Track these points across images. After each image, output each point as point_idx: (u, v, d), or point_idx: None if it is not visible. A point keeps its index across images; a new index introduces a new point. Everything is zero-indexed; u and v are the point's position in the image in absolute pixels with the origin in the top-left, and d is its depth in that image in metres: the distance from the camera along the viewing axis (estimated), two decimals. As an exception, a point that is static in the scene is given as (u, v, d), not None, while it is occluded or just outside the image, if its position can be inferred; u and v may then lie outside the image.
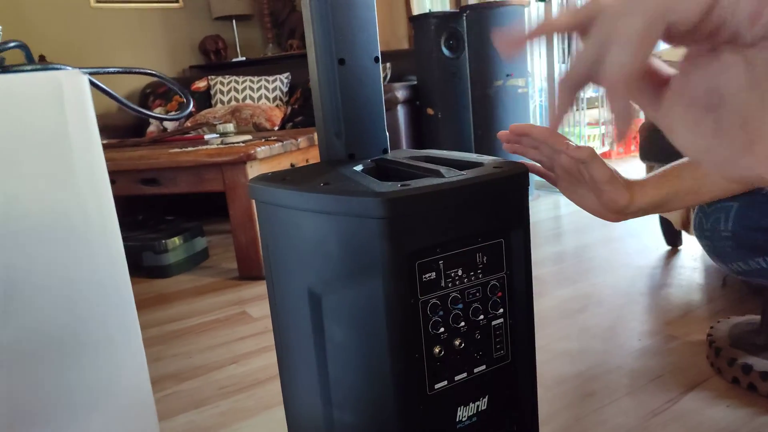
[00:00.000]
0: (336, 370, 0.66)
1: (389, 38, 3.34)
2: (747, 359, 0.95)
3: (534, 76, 3.04)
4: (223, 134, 1.85)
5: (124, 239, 1.89)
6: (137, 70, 0.67)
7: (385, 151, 0.77)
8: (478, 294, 0.63)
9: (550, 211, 2.44)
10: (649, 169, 1.62)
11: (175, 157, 1.75)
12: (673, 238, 1.71)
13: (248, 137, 1.90)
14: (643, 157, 1.57)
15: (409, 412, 0.61)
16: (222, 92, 3.03)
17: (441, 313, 0.61)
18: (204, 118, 2.79)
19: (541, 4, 2.67)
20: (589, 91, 3.93)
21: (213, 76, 3.12)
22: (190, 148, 1.79)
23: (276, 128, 2.77)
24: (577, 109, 3.53)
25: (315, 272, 0.66)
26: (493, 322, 0.65)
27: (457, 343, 0.63)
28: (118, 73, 0.58)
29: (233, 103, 2.97)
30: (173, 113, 2.99)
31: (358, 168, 0.69)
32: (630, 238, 1.90)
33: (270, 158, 1.80)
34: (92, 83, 0.43)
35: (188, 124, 2.82)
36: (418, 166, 0.66)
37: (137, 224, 2.08)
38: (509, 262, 0.65)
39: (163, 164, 1.77)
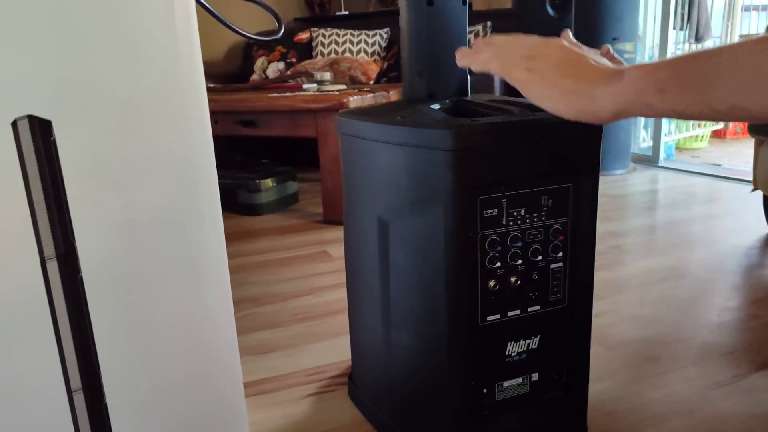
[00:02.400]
0: (397, 294, 0.71)
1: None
2: (833, 343, 0.90)
3: (645, 40, 2.87)
4: (320, 82, 1.92)
5: (221, 177, 2.04)
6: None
7: (465, 93, 0.79)
8: (539, 236, 0.65)
9: (645, 184, 2.33)
10: (759, 143, 1.51)
11: (273, 101, 1.85)
12: (776, 218, 1.60)
13: (343, 87, 1.95)
14: (752, 130, 1.47)
15: (459, 339, 0.65)
16: (323, 44, 3.10)
17: (499, 248, 0.63)
18: (303, 68, 2.88)
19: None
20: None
21: (315, 29, 3.19)
22: (287, 94, 1.87)
23: (371, 82, 2.81)
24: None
25: (386, 201, 0.70)
26: (552, 265, 0.66)
27: (512, 280, 0.65)
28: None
29: (333, 55, 3.04)
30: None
31: (435, 106, 0.71)
32: (729, 217, 1.80)
33: (361, 105, 1.85)
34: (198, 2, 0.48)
35: (288, 73, 2.93)
36: (493, 107, 0.68)
37: (234, 164, 2.22)
38: (575, 208, 0.66)
39: (261, 107, 1.87)
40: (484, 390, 0.68)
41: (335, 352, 1.02)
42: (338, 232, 1.78)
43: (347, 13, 3.87)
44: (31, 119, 0.37)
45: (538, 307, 0.67)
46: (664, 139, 2.79)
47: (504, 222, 0.63)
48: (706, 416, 0.81)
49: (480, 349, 0.66)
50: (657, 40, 2.69)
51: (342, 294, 1.27)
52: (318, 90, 1.88)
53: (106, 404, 0.44)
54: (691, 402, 0.85)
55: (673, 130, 3.25)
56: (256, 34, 3.32)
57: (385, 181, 0.69)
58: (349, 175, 0.78)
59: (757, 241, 1.54)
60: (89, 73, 0.37)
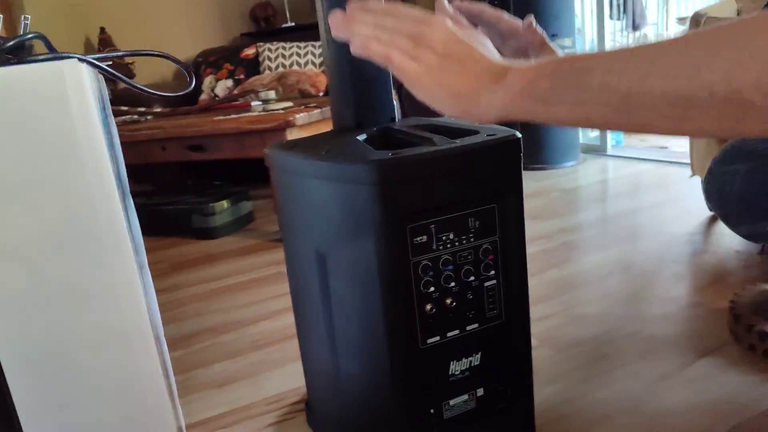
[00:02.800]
0: (340, 323, 0.72)
1: None
2: (765, 326, 0.94)
3: (584, 35, 2.94)
4: (265, 101, 1.91)
5: (175, 203, 2.00)
6: (144, 52, 0.72)
7: (393, 120, 0.80)
8: (470, 257, 0.67)
9: (595, 175, 2.39)
10: (695, 143, 1.57)
11: (218, 124, 1.84)
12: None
13: (289, 104, 1.95)
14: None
15: (401, 362, 0.66)
16: (270, 59, 3.10)
17: (432, 273, 0.65)
18: (251, 85, 2.87)
19: (592, -39, 2.56)
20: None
21: (261, 43, 3.18)
22: (233, 116, 1.86)
23: (321, 94, 2.81)
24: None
25: (320, 233, 0.71)
26: (486, 284, 0.68)
27: (448, 302, 0.66)
28: (125, 56, 0.63)
29: (280, 69, 3.03)
30: (225, 82, 3.09)
31: (362, 137, 0.72)
32: (673, 204, 1.86)
33: (309, 125, 1.85)
34: (100, 68, 0.48)
35: (236, 91, 2.91)
36: (416, 135, 0.69)
37: (187, 188, 2.20)
38: (502, 226, 0.68)
39: (208, 131, 1.86)
40: (432, 410, 0.70)
41: (294, 378, 1.02)
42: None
43: (293, 24, 3.87)
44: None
45: (476, 325, 0.69)
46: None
47: (434, 247, 0.65)
48: (651, 411, 0.85)
49: (423, 370, 0.68)
50: (595, 33, 2.76)
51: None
52: (264, 109, 1.87)
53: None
54: (637, 398, 0.88)
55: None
56: (201, 53, 3.29)
57: (317, 214, 0.70)
58: (283, 207, 0.79)
59: (699, 226, 1.60)
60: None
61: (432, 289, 0.65)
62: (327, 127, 1.99)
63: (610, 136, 2.84)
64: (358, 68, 0.76)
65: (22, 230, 0.40)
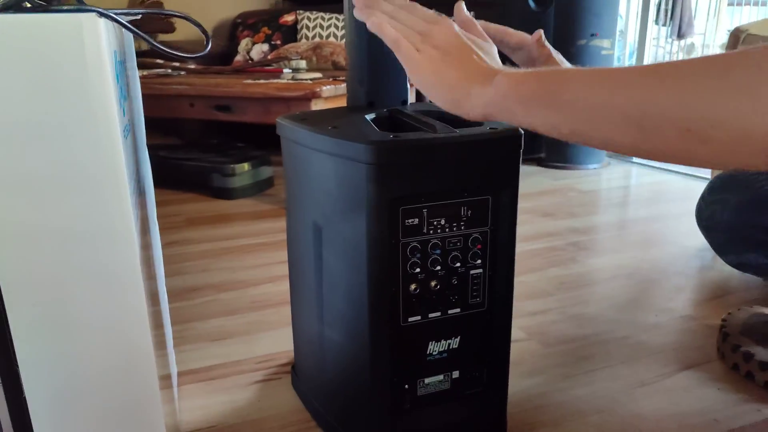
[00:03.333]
0: (328, 293, 0.75)
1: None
2: (751, 348, 0.95)
3: (626, 37, 2.89)
4: (295, 70, 1.94)
5: (197, 160, 2.04)
6: (166, 12, 0.74)
7: (404, 103, 0.82)
8: (458, 244, 0.69)
9: (617, 180, 2.37)
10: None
11: (247, 87, 1.87)
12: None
13: (318, 75, 1.97)
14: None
15: (381, 338, 0.69)
16: (308, 27, 3.11)
17: (419, 255, 0.67)
18: (286, 52, 2.89)
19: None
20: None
21: (302, 11, 3.19)
22: (262, 81, 1.89)
23: (353, 68, 2.83)
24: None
25: (319, 206, 0.73)
26: (472, 272, 0.70)
27: (432, 284, 0.69)
28: (145, 13, 0.66)
29: (317, 39, 3.04)
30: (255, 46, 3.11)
31: (371, 116, 0.74)
32: (689, 217, 1.83)
33: (335, 97, 1.87)
34: (120, 23, 0.51)
35: (271, 56, 2.93)
36: (422, 120, 0.71)
37: (210, 147, 2.24)
38: (494, 218, 0.70)
39: (236, 93, 1.89)
40: (406, 386, 0.72)
41: (285, 340, 1.06)
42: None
43: (336, -6, 3.86)
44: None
45: (458, 310, 0.72)
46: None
47: (425, 230, 0.67)
48: (624, 413, 0.87)
49: (402, 347, 0.71)
50: (637, 35, 2.71)
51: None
52: (293, 78, 1.90)
53: (25, 398, 0.48)
54: (612, 399, 0.90)
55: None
56: (240, 15, 3.32)
57: (317, 187, 0.72)
58: (289, 177, 0.81)
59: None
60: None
61: (418, 270, 0.67)
62: (352, 101, 2.00)
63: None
64: (376, 49, 0.77)
65: (28, 169, 0.43)
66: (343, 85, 1.88)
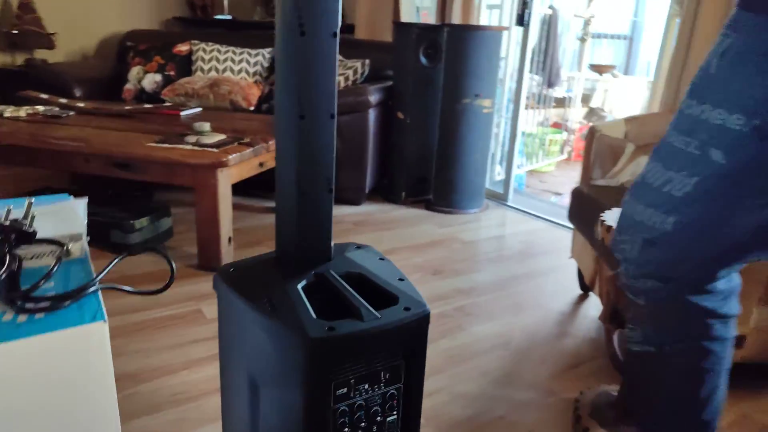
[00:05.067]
0: (264, 438, 0.87)
1: (373, 29, 3.41)
2: (596, 430, 1.20)
3: (504, 94, 3.19)
4: (199, 133, 1.97)
5: (93, 214, 2.00)
6: None
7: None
8: (378, 400, 0.84)
9: (494, 228, 2.65)
10: (576, 233, 1.83)
11: (151, 151, 1.88)
12: (584, 284, 1.96)
13: (222, 137, 2.03)
14: (570, 218, 1.79)
15: (313, 482, 0.82)
16: (203, 60, 3.09)
17: (348, 416, 0.82)
18: (182, 87, 2.87)
19: (520, 29, 2.80)
20: (560, 91, 4.12)
21: (196, 42, 3.16)
22: (167, 145, 1.91)
23: (252, 108, 2.87)
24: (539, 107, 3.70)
25: (256, 364, 0.85)
26: (388, 419, 0.86)
27: (356, 435, 0.84)
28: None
29: (213, 73, 3.04)
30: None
31: (302, 284, 0.87)
32: (554, 275, 2.14)
33: (240, 163, 1.95)
34: None
35: (166, 92, 2.90)
36: (347, 297, 0.85)
37: (108, 199, 2.21)
38: (407, 376, 0.86)
39: (139, 155, 1.90)
40: None
41: (209, 442, 1.16)
42: (212, 284, 1.88)
43: (231, 17, 3.84)
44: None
45: (375, 448, 0.87)
46: (516, 171, 3.16)
47: (352, 395, 0.81)
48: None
49: (329, 484, 0.85)
50: (513, 94, 3.02)
51: (215, 370, 1.40)
52: (197, 142, 1.94)
53: None
54: (492, 486, 1.10)
55: (524, 162, 3.67)
56: (129, 35, 3.24)
57: (255, 348, 0.84)
58: (224, 328, 0.92)
59: (568, 304, 1.89)
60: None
61: (347, 429, 0.82)
62: (258, 160, 2.07)
63: (514, 179, 3.13)
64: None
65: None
66: (248, 150, 1.96)
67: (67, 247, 0.66)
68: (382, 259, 1.01)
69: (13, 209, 0.83)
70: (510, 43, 3.08)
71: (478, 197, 2.87)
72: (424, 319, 0.84)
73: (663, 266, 0.96)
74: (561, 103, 4.28)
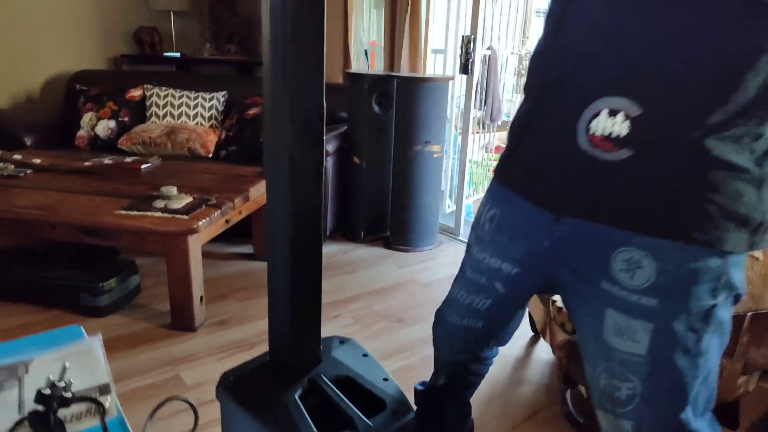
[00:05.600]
0: None
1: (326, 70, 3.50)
2: (553, 484, 1.36)
3: (451, 130, 3.37)
4: (167, 198, 2.03)
5: (61, 278, 2.02)
6: None
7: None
8: (371, 494, 0.96)
9: (449, 266, 2.80)
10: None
11: (121, 219, 1.93)
12: (535, 328, 2.13)
13: (189, 199, 2.09)
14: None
15: None
16: (158, 105, 3.11)
17: None
18: (138, 136, 2.89)
19: (464, 77, 2.97)
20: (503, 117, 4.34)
21: (150, 86, 3.17)
22: (134, 212, 1.96)
23: (210, 155, 2.92)
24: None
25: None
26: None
27: None
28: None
29: (168, 119, 3.07)
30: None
31: (298, 392, 0.98)
32: (505, 315, 2.31)
33: (210, 227, 2.02)
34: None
35: (123, 141, 2.91)
36: (341, 407, 0.96)
37: (73, 259, 2.22)
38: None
39: (108, 224, 1.94)
40: None
41: None
42: (187, 345, 1.95)
43: (179, 55, 3.86)
44: None
45: None
46: (465, 201, 3.33)
47: (348, 495, 0.93)
48: None
49: None
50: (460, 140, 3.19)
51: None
52: (165, 207, 1.99)
53: None
54: None
55: (472, 193, 3.86)
56: (78, 75, 3.26)
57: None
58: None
59: (521, 348, 2.06)
60: None
61: None
62: (224, 218, 2.13)
63: (464, 213, 3.30)
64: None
65: None
66: (216, 213, 2.03)
67: (104, 407, 0.74)
68: (365, 355, 1.14)
69: (40, 360, 0.86)
70: (455, 87, 3.26)
71: (432, 234, 3.03)
72: (409, 423, 0.96)
73: None
74: (503, 126, 4.52)
